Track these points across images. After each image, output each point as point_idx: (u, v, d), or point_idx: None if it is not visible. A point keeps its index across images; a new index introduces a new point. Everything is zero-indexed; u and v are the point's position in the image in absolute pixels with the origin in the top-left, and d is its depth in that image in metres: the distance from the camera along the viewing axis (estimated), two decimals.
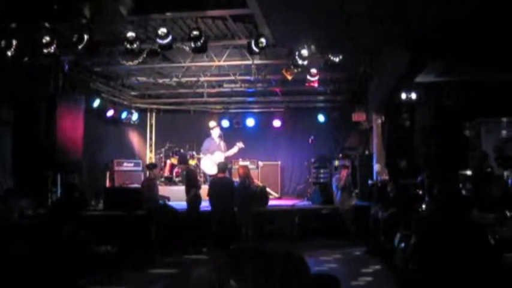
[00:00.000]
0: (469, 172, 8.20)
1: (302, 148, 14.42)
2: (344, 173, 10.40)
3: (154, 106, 15.53)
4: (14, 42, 7.78)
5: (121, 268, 6.88)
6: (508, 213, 5.68)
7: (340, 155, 13.14)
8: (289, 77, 9.90)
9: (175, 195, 10.32)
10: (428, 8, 6.34)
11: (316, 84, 10.59)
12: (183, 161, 9.53)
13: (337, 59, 9.24)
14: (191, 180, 9.66)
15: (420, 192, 7.81)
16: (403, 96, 10.35)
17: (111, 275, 6.64)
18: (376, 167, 11.41)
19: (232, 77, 11.97)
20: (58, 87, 10.03)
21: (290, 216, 10.34)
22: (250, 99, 14.39)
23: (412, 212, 6.64)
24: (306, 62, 8.95)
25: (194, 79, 12.20)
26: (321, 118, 14.44)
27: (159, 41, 8.15)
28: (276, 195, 13.45)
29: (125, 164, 13.14)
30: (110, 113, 12.97)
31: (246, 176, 9.36)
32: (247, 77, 11.67)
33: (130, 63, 9.70)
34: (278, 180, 13.99)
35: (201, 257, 8.60)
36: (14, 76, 8.72)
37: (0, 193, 8.22)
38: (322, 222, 10.26)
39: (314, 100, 14.37)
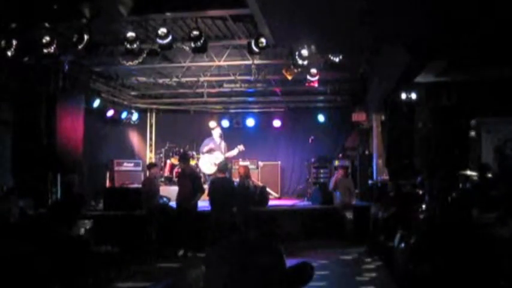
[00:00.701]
0: (469, 172, 8.19)
1: (302, 148, 14.45)
2: (338, 174, 10.51)
3: (154, 106, 15.54)
4: (14, 42, 7.80)
5: (121, 267, 6.88)
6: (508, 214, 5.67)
7: (340, 155, 13.15)
8: (289, 77, 9.90)
9: (176, 195, 10.29)
10: (429, 8, 6.34)
11: (316, 84, 10.59)
12: (185, 159, 9.46)
13: (337, 59, 9.25)
14: (199, 184, 9.36)
15: (420, 192, 7.81)
16: (403, 96, 10.34)
17: (111, 274, 6.64)
18: (377, 165, 11.45)
19: (232, 77, 11.96)
20: (58, 87, 10.03)
21: (290, 216, 10.35)
22: (250, 99, 14.40)
23: (412, 212, 6.63)
24: (306, 62, 8.94)
25: (194, 79, 12.19)
26: (321, 118, 14.44)
27: (159, 41, 8.14)
28: (276, 195, 13.45)
29: (125, 164, 13.16)
30: (110, 113, 12.98)
31: (246, 176, 9.37)
32: (247, 77, 11.65)
33: (131, 63, 9.68)
34: (278, 180, 13.99)
35: (201, 256, 8.60)
36: (14, 76, 8.72)
37: (0, 193, 8.22)
38: (322, 222, 10.27)
39: (314, 100, 14.37)
